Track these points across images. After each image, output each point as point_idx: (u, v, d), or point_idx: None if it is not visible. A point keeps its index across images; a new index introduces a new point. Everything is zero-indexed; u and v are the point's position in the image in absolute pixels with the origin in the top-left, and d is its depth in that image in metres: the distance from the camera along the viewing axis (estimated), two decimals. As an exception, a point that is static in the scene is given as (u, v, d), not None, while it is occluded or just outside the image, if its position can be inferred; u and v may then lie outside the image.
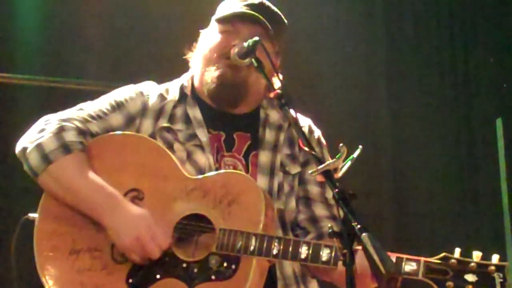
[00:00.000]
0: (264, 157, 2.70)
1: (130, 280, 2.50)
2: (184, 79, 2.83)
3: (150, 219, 2.49)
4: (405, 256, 2.32)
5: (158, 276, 2.49)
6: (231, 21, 2.70)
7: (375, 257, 1.82)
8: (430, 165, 5.21)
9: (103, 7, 4.59)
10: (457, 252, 2.31)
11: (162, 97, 2.75)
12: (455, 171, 5.25)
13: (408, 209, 5.11)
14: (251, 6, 2.71)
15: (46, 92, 4.42)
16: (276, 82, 2.69)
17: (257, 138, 2.73)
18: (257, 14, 2.68)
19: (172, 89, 2.79)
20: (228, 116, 2.75)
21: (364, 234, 1.89)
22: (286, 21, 2.81)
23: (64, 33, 4.53)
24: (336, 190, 2.03)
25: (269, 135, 2.75)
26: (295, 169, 2.73)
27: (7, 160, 3.91)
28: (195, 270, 2.47)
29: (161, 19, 4.64)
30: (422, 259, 2.31)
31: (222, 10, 2.76)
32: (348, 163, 2.14)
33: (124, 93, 2.75)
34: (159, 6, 4.65)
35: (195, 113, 2.73)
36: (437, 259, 2.31)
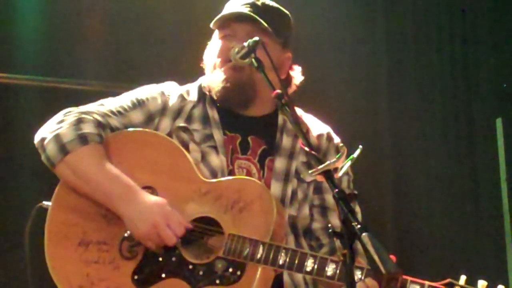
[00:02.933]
0: (279, 163, 2.71)
1: (136, 277, 2.52)
2: (203, 80, 2.85)
3: (166, 207, 2.51)
4: (409, 278, 2.32)
5: (163, 275, 2.51)
6: (227, 25, 2.74)
7: (375, 257, 1.82)
8: (430, 164, 5.20)
9: (104, 7, 4.58)
10: (462, 279, 2.30)
11: (182, 98, 2.77)
12: (455, 171, 5.24)
13: (408, 209, 5.11)
14: (245, 5, 2.73)
15: (46, 92, 4.41)
16: (296, 76, 2.77)
17: (273, 144, 2.75)
18: (246, 12, 2.69)
19: (192, 90, 2.82)
20: (245, 119, 2.77)
21: (364, 234, 1.89)
22: (287, 13, 2.81)
23: (64, 33, 4.52)
24: (336, 190, 2.03)
25: (286, 141, 2.76)
26: (310, 177, 2.73)
27: (13, 155, 3.95)
28: (201, 273, 2.49)
29: (162, 19, 4.63)
30: (427, 283, 2.31)
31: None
32: (348, 163, 2.14)
33: (146, 91, 2.78)
34: (160, 6, 4.65)
35: (213, 113, 2.75)
36: (442, 284, 2.31)
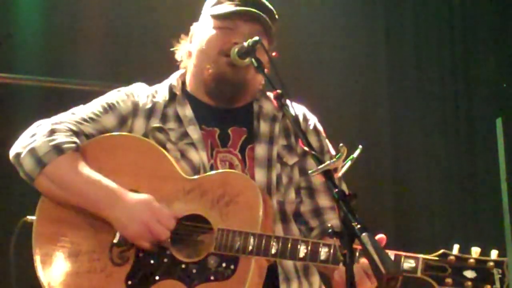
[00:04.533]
0: (260, 150, 2.69)
1: (129, 282, 2.49)
2: (172, 79, 2.82)
3: (152, 202, 2.49)
4: (403, 253, 2.33)
5: (157, 278, 2.49)
6: (229, 18, 2.69)
7: (375, 257, 1.82)
8: (430, 165, 5.21)
9: (103, 7, 4.59)
10: (456, 248, 2.31)
11: (152, 97, 2.76)
12: (455, 171, 5.25)
13: (408, 209, 5.11)
14: (248, 2, 2.69)
15: (46, 92, 4.42)
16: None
17: (252, 132, 2.72)
18: (260, 12, 2.67)
19: (160, 90, 2.80)
20: (222, 111, 2.74)
21: (364, 234, 1.88)
22: (277, 16, 2.80)
23: (64, 33, 4.53)
24: (336, 190, 2.03)
25: (264, 127, 2.73)
26: (292, 160, 2.72)
27: (5, 161, 3.91)
28: (194, 271, 2.47)
29: (161, 19, 4.64)
30: (421, 256, 2.32)
31: (219, 6, 2.74)
32: (348, 163, 2.14)
33: (115, 95, 2.76)
34: (159, 6, 4.65)
35: (186, 111, 2.73)
36: (436, 256, 2.31)
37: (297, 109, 2.80)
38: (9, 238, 2.75)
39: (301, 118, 2.80)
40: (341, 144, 2.15)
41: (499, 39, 5.37)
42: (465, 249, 2.32)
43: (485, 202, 5.22)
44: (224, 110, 2.74)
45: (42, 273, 2.53)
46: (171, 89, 2.78)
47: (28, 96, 4.40)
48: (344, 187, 2.67)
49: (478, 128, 5.31)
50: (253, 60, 2.52)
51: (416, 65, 5.29)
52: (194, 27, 2.83)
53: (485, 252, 2.31)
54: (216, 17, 2.72)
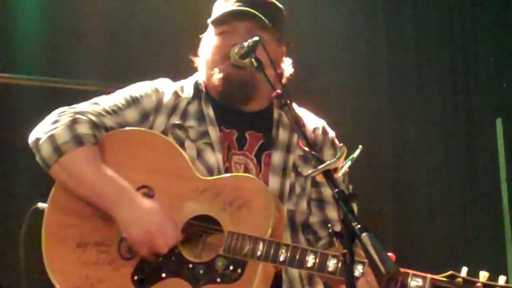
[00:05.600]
0: (276, 157, 2.70)
1: (136, 277, 2.50)
2: (198, 76, 2.83)
3: (161, 214, 2.49)
4: (411, 271, 2.31)
5: (163, 275, 2.49)
6: (226, 21, 2.71)
7: (375, 257, 1.82)
8: (430, 165, 5.21)
9: (103, 7, 4.59)
10: (464, 271, 2.29)
11: (176, 95, 2.75)
12: (455, 170, 5.25)
13: (408, 209, 5.11)
14: (243, 1, 2.70)
15: (46, 92, 4.41)
16: (287, 69, 2.77)
17: (270, 138, 2.73)
18: (248, 9, 2.68)
19: (186, 86, 2.80)
20: (241, 114, 2.75)
21: (364, 234, 1.89)
22: (281, 6, 2.80)
23: (64, 33, 4.53)
24: (336, 190, 2.03)
25: (282, 135, 2.75)
26: (307, 171, 2.71)
27: (10, 156, 3.94)
28: (201, 272, 2.47)
29: (161, 19, 4.64)
30: (429, 276, 2.30)
31: (215, 12, 2.77)
32: (348, 163, 2.14)
33: (140, 88, 2.75)
34: (159, 5, 4.65)
35: (209, 110, 2.74)
36: (444, 277, 2.30)
37: (317, 122, 2.84)
38: (20, 225, 2.76)
39: (320, 131, 2.81)
40: (341, 144, 2.15)
41: (499, 39, 5.37)
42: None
43: (485, 202, 5.22)
44: (244, 114, 2.76)
45: (49, 262, 2.54)
46: (197, 86, 2.79)
47: (28, 96, 4.40)
48: (346, 181, 2.69)
49: (478, 128, 5.32)
50: (253, 60, 2.52)
51: (416, 65, 5.29)
52: (202, 39, 2.84)
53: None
54: (214, 23, 2.75)
